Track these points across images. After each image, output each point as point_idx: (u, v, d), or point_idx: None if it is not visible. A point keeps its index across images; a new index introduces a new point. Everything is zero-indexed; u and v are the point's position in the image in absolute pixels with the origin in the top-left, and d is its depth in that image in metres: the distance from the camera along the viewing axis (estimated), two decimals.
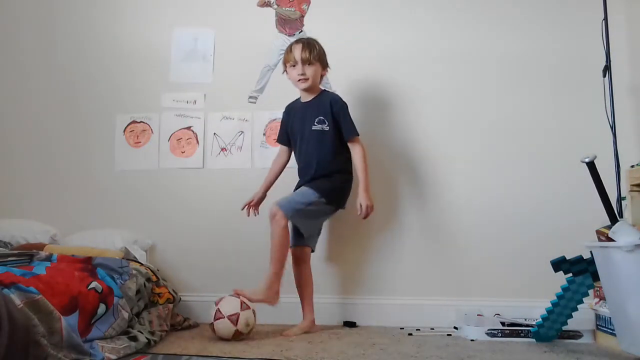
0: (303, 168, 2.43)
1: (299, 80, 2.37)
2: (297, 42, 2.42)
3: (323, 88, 2.52)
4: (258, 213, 2.53)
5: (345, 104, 2.43)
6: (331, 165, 2.37)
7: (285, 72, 2.46)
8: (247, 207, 2.52)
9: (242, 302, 2.10)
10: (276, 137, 2.61)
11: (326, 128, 2.36)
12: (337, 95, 2.46)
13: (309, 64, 2.35)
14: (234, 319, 2.06)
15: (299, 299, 2.39)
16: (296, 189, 2.42)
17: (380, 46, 2.75)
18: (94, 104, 2.90)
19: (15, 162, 2.91)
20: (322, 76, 2.45)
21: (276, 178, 2.54)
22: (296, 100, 2.51)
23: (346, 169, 2.43)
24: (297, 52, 2.36)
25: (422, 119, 2.69)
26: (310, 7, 2.84)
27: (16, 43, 2.99)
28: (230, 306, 2.09)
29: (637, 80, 2.51)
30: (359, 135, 2.39)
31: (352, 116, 2.41)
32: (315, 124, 2.37)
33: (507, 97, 2.66)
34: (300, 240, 2.36)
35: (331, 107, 2.38)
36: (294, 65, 2.37)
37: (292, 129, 2.48)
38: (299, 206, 2.26)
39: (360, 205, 2.30)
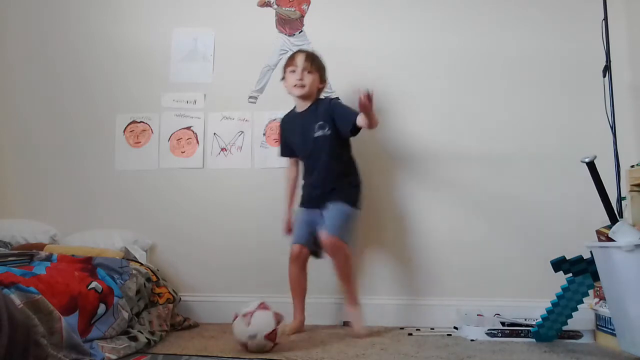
0: (312, 175, 2.42)
1: (295, 85, 2.38)
2: (300, 51, 2.47)
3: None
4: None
5: (338, 98, 2.47)
6: (344, 169, 2.38)
7: (283, 79, 2.47)
8: (287, 232, 2.49)
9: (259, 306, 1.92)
10: (279, 149, 2.58)
11: (327, 132, 2.36)
12: (331, 97, 2.49)
13: (308, 72, 2.37)
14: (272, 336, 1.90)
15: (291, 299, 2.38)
16: (307, 193, 2.42)
17: (381, 46, 2.75)
18: (94, 104, 2.90)
19: (15, 162, 2.91)
20: (319, 90, 2.44)
21: (295, 192, 2.52)
22: (291, 111, 2.52)
23: (355, 168, 2.45)
24: (300, 59, 2.39)
25: (422, 119, 2.69)
26: (310, 7, 2.84)
27: (16, 43, 2.99)
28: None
29: (637, 80, 2.51)
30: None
31: None
32: (317, 129, 2.37)
33: (507, 97, 2.65)
34: (309, 242, 2.33)
35: (327, 108, 2.37)
36: (293, 71, 2.39)
37: (292, 140, 2.48)
38: (346, 225, 2.29)
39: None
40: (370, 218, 2.64)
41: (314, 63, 2.40)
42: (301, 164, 2.51)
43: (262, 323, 1.86)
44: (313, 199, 2.38)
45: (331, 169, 2.36)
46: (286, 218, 2.51)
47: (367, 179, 2.54)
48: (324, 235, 2.24)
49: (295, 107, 2.49)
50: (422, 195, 2.64)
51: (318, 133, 2.36)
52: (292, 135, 2.48)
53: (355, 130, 2.29)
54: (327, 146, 2.36)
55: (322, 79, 2.45)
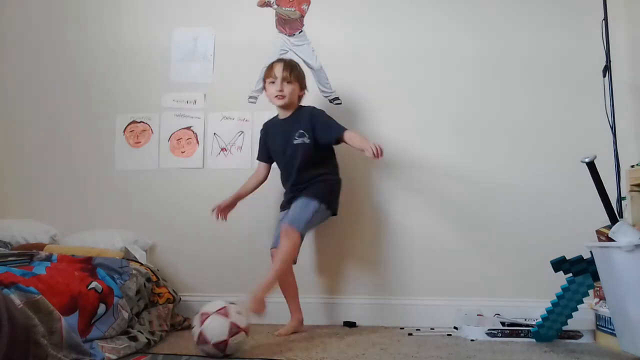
0: (289, 180, 2.44)
1: (276, 96, 2.40)
2: (278, 60, 2.47)
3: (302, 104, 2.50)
4: (226, 219, 2.49)
5: (322, 110, 2.46)
6: (319, 171, 2.39)
7: (264, 89, 2.50)
8: (216, 210, 2.48)
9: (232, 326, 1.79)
10: (258, 153, 2.60)
11: (307, 141, 2.38)
12: (314, 107, 2.48)
13: (287, 82, 2.39)
14: (221, 346, 1.77)
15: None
16: (285, 198, 2.44)
17: (380, 46, 2.75)
18: (94, 104, 2.90)
19: (15, 162, 2.91)
20: (300, 97, 2.47)
21: (248, 193, 2.54)
22: (274, 117, 2.54)
23: (335, 172, 2.47)
24: (278, 69, 2.40)
25: (423, 119, 2.69)
26: (310, 7, 2.84)
27: (15, 44, 2.99)
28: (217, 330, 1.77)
29: (637, 80, 2.51)
30: (347, 129, 2.35)
31: (349, 113, 2.42)
32: (297, 137, 2.39)
33: (507, 98, 2.65)
34: None
35: (309, 118, 2.40)
36: (273, 82, 2.41)
37: (273, 146, 2.50)
38: (307, 218, 2.28)
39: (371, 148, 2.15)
40: (371, 218, 2.64)
41: (293, 72, 2.41)
42: (278, 171, 2.53)
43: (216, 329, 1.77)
44: (289, 201, 2.40)
45: (307, 175, 2.38)
46: (224, 201, 2.48)
47: (368, 182, 2.54)
48: (284, 226, 2.26)
49: (278, 115, 2.52)
50: (419, 197, 2.64)
51: (298, 141, 2.39)
52: (273, 142, 2.50)
53: (337, 142, 2.35)
54: (306, 153, 2.38)
55: (302, 87, 2.46)
